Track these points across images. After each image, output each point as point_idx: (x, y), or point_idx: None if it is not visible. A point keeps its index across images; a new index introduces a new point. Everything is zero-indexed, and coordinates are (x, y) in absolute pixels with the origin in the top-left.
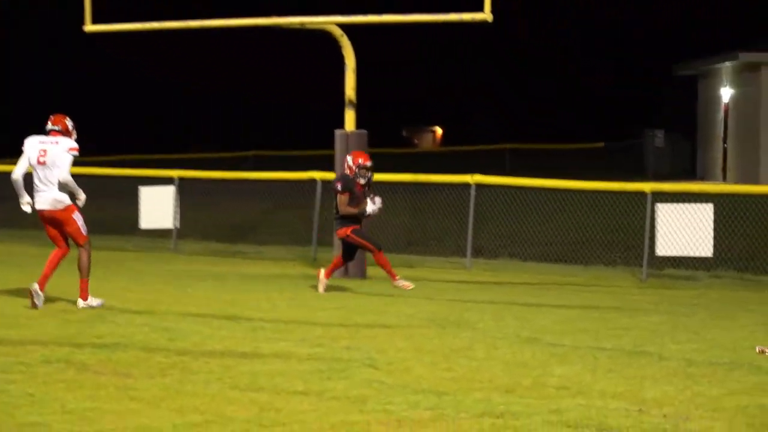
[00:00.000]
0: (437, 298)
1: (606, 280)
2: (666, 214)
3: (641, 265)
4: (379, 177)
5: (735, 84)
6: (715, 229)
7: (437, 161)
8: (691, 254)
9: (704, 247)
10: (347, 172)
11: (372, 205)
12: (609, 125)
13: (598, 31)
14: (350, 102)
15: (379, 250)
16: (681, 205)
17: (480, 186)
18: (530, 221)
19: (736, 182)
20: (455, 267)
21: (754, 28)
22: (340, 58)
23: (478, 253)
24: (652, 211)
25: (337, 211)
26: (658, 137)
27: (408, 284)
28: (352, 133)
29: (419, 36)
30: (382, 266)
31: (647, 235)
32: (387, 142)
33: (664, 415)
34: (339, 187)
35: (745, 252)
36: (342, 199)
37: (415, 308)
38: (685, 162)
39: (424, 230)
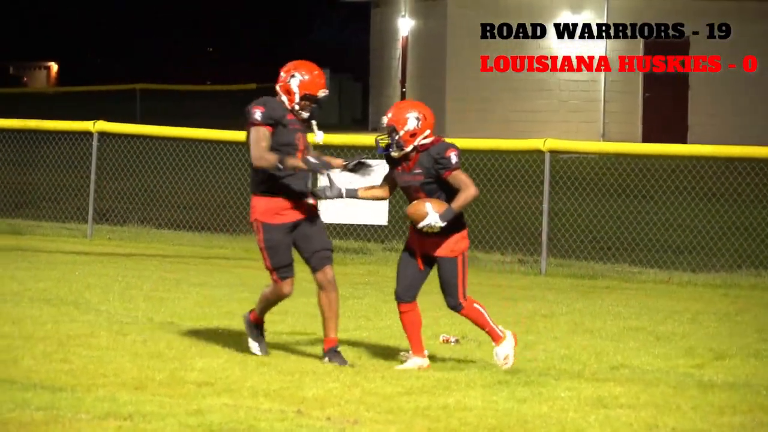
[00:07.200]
0: (51, 272)
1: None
2: (332, 174)
3: None
4: None
5: (416, 14)
6: None
7: (52, 104)
8: (363, 222)
9: (378, 214)
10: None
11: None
12: (262, 64)
13: None
14: None
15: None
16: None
17: (104, 135)
18: (167, 179)
19: None
20: (73, 234)
21: None
22: None
23: (101, 217)
24: None
25: None
26: None
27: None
28: None
29: None
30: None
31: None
32: None
33: (328, 418)
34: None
35: None
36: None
37: (21, 285)
38: (355, 110)
39: (35, 189)
